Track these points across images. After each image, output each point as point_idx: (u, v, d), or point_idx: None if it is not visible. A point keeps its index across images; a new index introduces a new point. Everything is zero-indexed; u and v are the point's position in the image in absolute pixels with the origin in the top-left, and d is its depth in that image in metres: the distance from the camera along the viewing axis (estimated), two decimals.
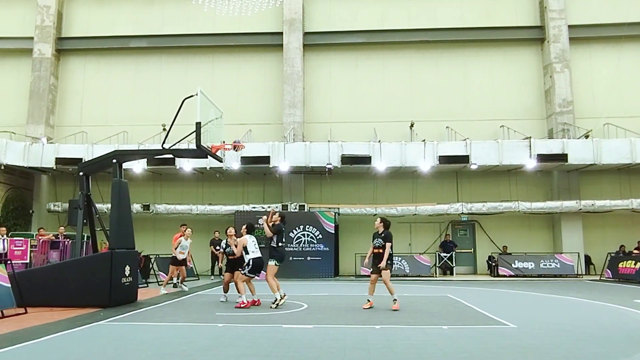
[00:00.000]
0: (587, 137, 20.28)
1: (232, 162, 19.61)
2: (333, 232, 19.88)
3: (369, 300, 10.30)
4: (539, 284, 16.64)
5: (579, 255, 20.29)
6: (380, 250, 10.21)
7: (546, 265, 20.00)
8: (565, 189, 21.22)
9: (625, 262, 17.91)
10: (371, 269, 10.61)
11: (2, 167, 20.72)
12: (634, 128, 20.45)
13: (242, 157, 19.50)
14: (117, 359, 5.96)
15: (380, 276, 10.16)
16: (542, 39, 22.42)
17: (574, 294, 13.45)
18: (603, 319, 9.03)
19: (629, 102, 21.60)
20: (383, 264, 10.03)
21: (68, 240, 17.19)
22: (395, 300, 10.04)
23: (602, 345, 6.59)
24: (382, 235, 10.31)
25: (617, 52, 21.94)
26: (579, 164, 19.82)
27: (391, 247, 10.23)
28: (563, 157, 19.52)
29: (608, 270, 18.49)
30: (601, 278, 18.66)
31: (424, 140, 20.20)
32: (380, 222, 10.54)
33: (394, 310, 9.79)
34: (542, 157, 19.57)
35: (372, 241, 10.56)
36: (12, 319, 8.80)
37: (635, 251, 18.94)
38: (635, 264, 17.50)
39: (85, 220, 12.09)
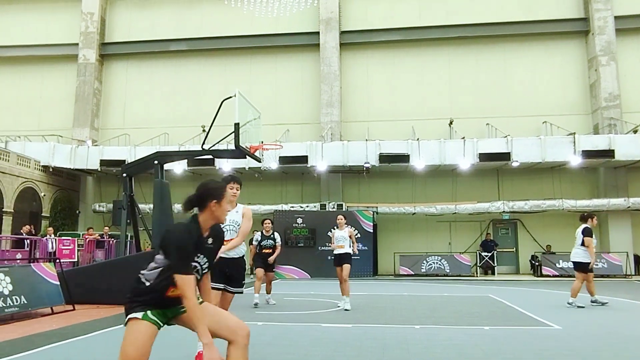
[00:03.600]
0: (635, 132, 19.56)
1: (271, 162, 19.76)
2: (372, 231, 19.77)
3: None
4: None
5: (627, 255, 19.57)
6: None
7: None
8: (613, 186, 20.50)
9: None
10: None
11: (51, 169, 21.52)
12: None
13: (280, 157, 19.65)
14: (159, 355, 6.08)
15: None
16: (587, 32, 21.74)
17: (623, 295, 12.98)
18: None
19: None
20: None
21: (112, 239, 17.66)
22: None
23: None
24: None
25: None
26: (627, 160, 19.13)
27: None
28: (609, 153, 18.88)
29: None
30: None
31: (463, 138, 19.87)
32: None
33: None
34: (587, 154, 18.98)
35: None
36: (61, 315, 9.10)
37: None
38: None
39: (128, 220, 12.36)
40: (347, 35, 23.01)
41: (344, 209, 20.70)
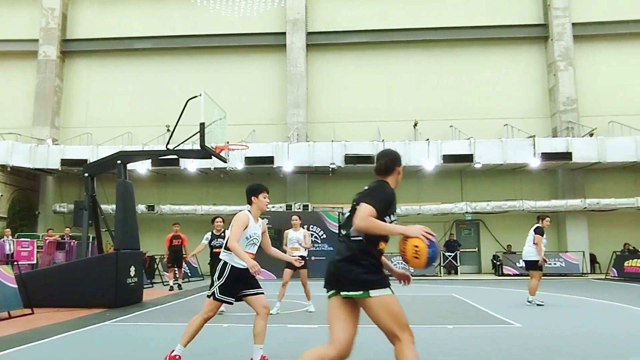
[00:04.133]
0: (591, 135, 20.23)
1: (237, 163, 19.65)
2: (337, 231, 19.87)
3: None
4: (543, 283, 16.56)
5: (584, 254, 20.25)
6: None
7: (551, 264, 19.93)
8: (570, 187, 21.17)
9: (631, 260, 17.84)
10: None
11: (9, 169, 20.85)
12: (639, 126, 20.35)
13: (246, 158, 19.56)
14: (123, 359, 5.99)
15: None
16: (546, 37, 22.38)
17: (580, 293, 13.43)
18: (609, 318, 9.02)
19: (634, 99, 21.52)
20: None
21: (74, 241, 17.27)
22: None
23: (609, 345, 6.58)
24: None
25: (621, 49, 21.88)
26: (584, 162, 19.78)
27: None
28: (567, 155, 19.48)
29: (614, 269, 18.43)
30: (607, 277, 18.61)
31: (428, 139, 20.19)
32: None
33: None
34: (547, 156, 19.53)
35: None
36: (19, 319, 8.85)
37: None
38: None
39: (90, 221, 12.15)
40: (313, 36, 23.07)
41: (309, 210, 20.75)
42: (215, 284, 5.16)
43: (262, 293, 5.35)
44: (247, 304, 5.31)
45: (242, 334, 7.53)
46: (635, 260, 17.76)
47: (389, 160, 3.83)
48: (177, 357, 5.09)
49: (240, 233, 5.17)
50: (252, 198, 5.63)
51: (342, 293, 3.40)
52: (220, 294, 5.15)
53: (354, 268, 3.37)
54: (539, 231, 10.66)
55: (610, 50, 22.18)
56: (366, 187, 3.68)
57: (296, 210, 20.60)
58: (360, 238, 3.41)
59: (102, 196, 13.82)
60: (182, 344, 5.11)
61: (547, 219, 10.99)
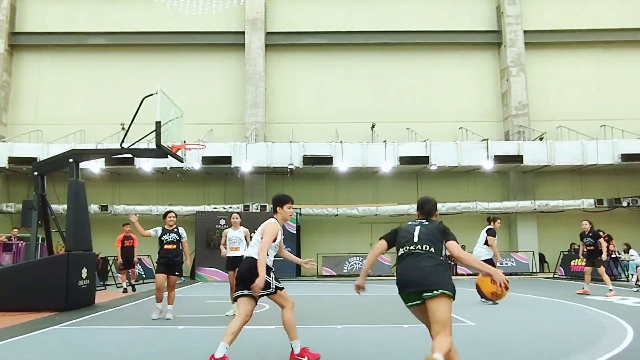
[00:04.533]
0: (541, 139, 20.95)
1: (193, 162, 19.38)
2: (295, 232, 19.91)
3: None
4: None
5: (533, 254, 20.95)
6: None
7: (503, 263, 20.51)
8: (521, 189, 21.85)
9: (576, 260, 18.57)
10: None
11: None
12: (585, 131, 21.21)
13: (203, 157, 19.33)
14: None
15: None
16: (499, 44, 23.03)
17: (530, 291, 13.87)
18: (558, 315, 9.38)
19: (581, 105, 22.40)
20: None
21: (22, 242, 16.67)
22: None
23: (558, 341, 6.83)
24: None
25: (570, 57, 22.76)
26: (534, 165, 20.46)
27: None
28: (519, 158, 20.10)
29: (561, 268, 19.14)
30: (554, 276, 19.30)
31: (385, 141, 20.44)
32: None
33: None
34: (499, 159, 20.09)
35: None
36: None
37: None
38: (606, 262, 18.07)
39: (40, 222, 11.78)
40: (273, 36, 23.00)
41: (267, 210, 20.66)
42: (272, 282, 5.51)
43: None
44: (273, 300, 5.69)
45: (198, 335, 7.44)
46: (579, 260, 18.49)
47: (433, 205, 4.95)
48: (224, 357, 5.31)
49: (271, 243, 5.47)
50: (278, 208, 5.92)
51: (435, 292, 4.27)
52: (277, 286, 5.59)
53: (446, 274, 4.47)
54: (491, 233, 11.03)
55: (559, 58, 23.03)
56: (426, 222, 4.77)
57: (254, 211, 20.50)
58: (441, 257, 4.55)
59: (52, 196, 13.40)
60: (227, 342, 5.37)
61: (498, 220, 11.42)
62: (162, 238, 9.04)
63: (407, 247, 4.54)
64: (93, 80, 22.83)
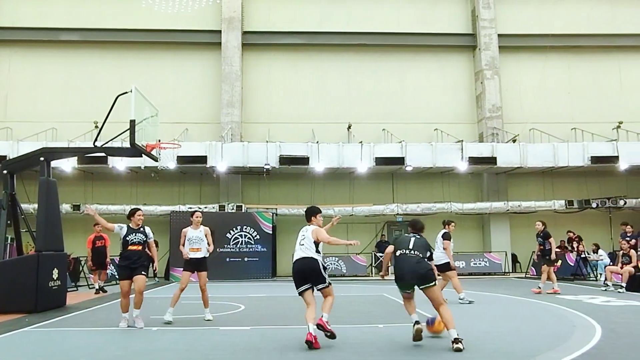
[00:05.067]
0: (514, 141, 21.29)
1: (168, 162, 19.16)
2: (271, 232, 19.85)
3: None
4: (470, 282, 17.30)
5: (506, 254, 21.28)
6: None
7: (476, 263, 20.84)
8: (494, 190, 22.18)
9: None
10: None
11: None
12: (556, 133, 21.64)
13: (178, 157, 19.10)
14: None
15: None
16: (474, 47, 23.33)
17: (503, 291, 14.12)
18: (530, 314, 9.55)
19: (552, 109, 22.84)
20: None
21: None
22: None
23: (529, 339, 6.97)
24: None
25: (542, 61, 23.16)
26: (507, 166, 20.78)
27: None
28: (492, 160, 20.38)
29: (532, 268, 19.46)
30: (526, 276, 19.63)
31: (361, 142, 20.52)
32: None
33: None
34: (473, 160, 20.35)
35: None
36: None
37: (557, 250, 20.03)
38: (556, 262, 18.51)
39: (9, 222, 11.53)
40: (249, 35, 22.88)
41: (243, 210, 20.58)
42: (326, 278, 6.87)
43: None
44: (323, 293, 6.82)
45: (172, 337, 7.37)
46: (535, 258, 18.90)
47: (422, 226, 7.44)
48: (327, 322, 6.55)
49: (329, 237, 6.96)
50: (312, 217, 7.25)
51: (429, 284, 6.65)
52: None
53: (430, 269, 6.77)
54: (446, 236, 11.37)
55: (532, 61, 23.43)
56: (418, 237, 7.14)
57: (230, 211, 20.38)
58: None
59: (22, 195, 13.11)
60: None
61: (453, 223, 11.83)
62: (127, 238, 8.31)
63: (404, 250, 6.83)
64: (66, 77, 22.38)
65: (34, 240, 11.65)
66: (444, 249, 11.17)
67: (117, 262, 11.82)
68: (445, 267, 11.15)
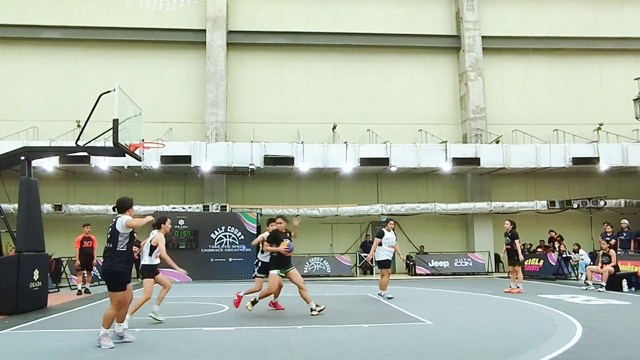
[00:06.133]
0: (497, 142, 21.48)
1: (152, 161, 18.99)
2: (255, 232, 19.75)
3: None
4: (453, 282, 17.44)
5: (489, 254, 21.46)
6: None
7: (460, 263, 20.99)
8: (478, 191, 22.36)
9: (530, 259, 19.16)
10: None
11: None
12: (539, 135, 21.89)
13: (162, 157, 18.94)
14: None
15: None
16: (458, 48, 23.49)
17: (486, 290, 14.23)
18: (513, 313, 9.65)
19: (535, 110, 23.10)
20: None
21: None
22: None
23: (512, 338, 7.04)
24: None
25: (525, 63, 23.40)
26: (490, 167, 20.95)
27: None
28: (476, 160, 20.54)
29: None
30: (509, 275, 19.77)
31: (346, 142, 20.55)
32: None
33: None
34: (457, 161, 20.49)
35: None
36: None
37: (539, 249, 20.28)
38: (538, 262, 18.83)
39: None
40: (234, 35, 22.79)
41: (227, 210, 20.48)
42: None
43: None
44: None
45: (155, 338, 7.31)
46: (533, 259, 19.18)
47: None
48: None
49: None
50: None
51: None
52: None
53: None
54: (377, 234, 12.47)
55: (515, 63, 23.66)
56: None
57: (214, 211, 20.27)
58: None
59: (2, 194, 12.93)
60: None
61: (391, 222, 12.75)
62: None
63: None
64: (47, 75, 22.08)
65: (14, 241, 11.46)
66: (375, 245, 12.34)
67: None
68: (383, 264, 12.34)
